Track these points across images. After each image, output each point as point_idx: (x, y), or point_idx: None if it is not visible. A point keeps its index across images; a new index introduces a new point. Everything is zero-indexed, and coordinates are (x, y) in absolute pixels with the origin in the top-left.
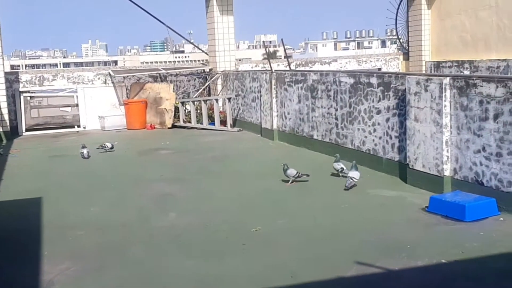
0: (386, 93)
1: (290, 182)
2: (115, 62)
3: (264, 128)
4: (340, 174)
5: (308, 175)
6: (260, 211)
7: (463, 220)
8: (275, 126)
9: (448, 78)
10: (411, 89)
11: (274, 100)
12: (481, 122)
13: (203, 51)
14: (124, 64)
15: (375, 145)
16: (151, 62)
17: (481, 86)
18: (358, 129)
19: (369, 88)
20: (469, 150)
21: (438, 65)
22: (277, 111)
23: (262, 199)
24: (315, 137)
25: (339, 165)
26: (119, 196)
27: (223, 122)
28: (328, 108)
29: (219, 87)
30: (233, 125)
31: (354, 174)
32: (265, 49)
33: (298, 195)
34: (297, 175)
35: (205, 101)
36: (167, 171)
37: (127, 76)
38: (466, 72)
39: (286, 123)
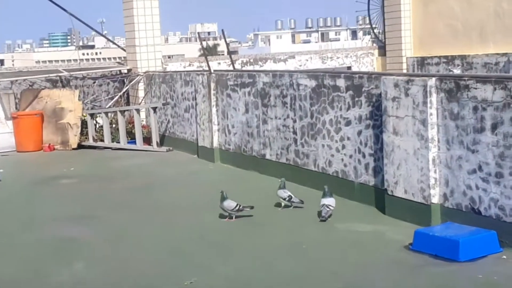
0: (357, 99)
1: (227, 217)
2: (1, 62)
3: (201, 146)
4: (290, 204)
5: (252, 208)
6: (195, 256)
7: (456, 259)
8: (215, 144)
9: (434, 79)
10: (388, 94)
11: (214, 109)
12: (476, 134)
13: (119, 47)
14: (13, 65)
15: (345, 165)
16: (50, 61)
17: (475, 89)
18: (323, 145)
19: (336, 92)
20: (462, 170)
21: (422, 61)
22: (219, 124)
23: (198, 241)
24: (268, 157)
25: (285, 193)
26: (4, 244)
27: (147, 140)
28: (284, 119)
29: (141, 94)
30: (161, 143)
31: (330, 201)
32: (202, 43)
33: (246, 233)
34: (237, 208)
35: (122, 112)
36: (70, 207)
37: (16, 80)
38: (457, 71)
39: (231, 140)
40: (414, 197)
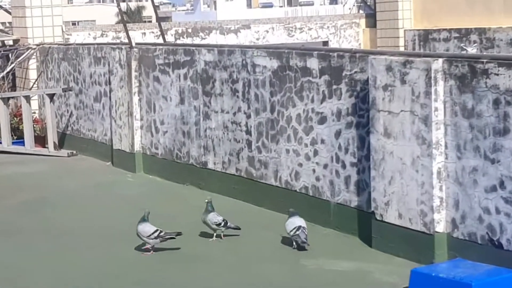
0: (335, 87)
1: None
2: None
3: (117, 150)
4: (221, 232)
5: (178, 234)
6: None
7: None
8: (137, 147)
9: (440, 61)
10: (377, 80)
11: (135, 98)
12: (498, 138)
13: (2, 8)
14: None
15: (317, 179)
16: None
17: (497, 75)
18: (287, 150)
19: (306, 77)
20: (477, 187)
21: (426, 36)
22: (142, 119)
23: (109, 282)
24: (210, 165)
25: (217, 218)
26: None
27: (41, 140)
28: (234, 114)
29: (33, 75)
30: (60, 144)
31: (301, 222)
32: (119, 6)
33: (175, 273)
34: (156, 234)
35: (5, 100)
36: None
37: None
38: (473, 50)
39: (159, 141)
40: (411, 223)
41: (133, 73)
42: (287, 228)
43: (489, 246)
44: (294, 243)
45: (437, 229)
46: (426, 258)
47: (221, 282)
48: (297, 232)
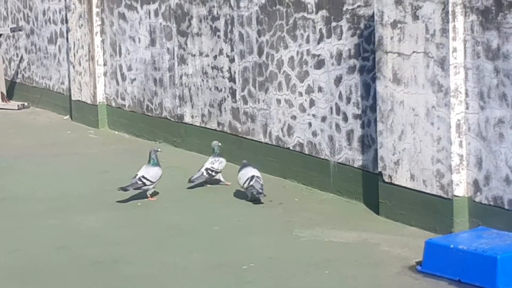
0: (334, 24)
1: (249, 196)
2: None
3: (76, 101)
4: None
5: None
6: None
7: None
8: (101, 98)
9: None
10: (384, 15)
11: (98, 39)
12: None
13: None
14: None
15: (314, 134)
16: None
17: None
18: (278, 100)
19: (300, 12)
20: (504, 142)
21: None
22: (106, 65)
23: (66, 254)
24: (187, 119)
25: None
26: None
27: None
28: (215, 57)
29: None
30: (9, 95)
31: (254, 172)
32: None
33: (155, 245)
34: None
35: None
36: None
37: None
38: None
39: (126, 91)
40: (425, 186)
41: (94, 9)
42: (240, 181)
43: None
44: (248, 196)
45: (456, 193)
46: (444, 227)
47: (205, 257)
48: (251, 183)
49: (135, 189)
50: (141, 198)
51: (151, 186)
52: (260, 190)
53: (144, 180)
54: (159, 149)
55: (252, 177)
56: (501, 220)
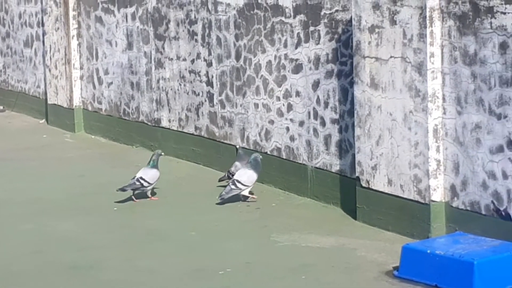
0: (312, 29)
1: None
2: None
3: (52, 105)
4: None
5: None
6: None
7: None
8: (77, 102)
9: None
10: (362, 20)
11: (74, 43)
12: (505, 89)
13: None
14: None
15: (291, 139)
16: None
17: (504, 14)
18: (256, 105)
19: (278, 17)
20: (481, 147)
21: None
22: (82, 68)
23: (40, 259)
24: (164, 123)
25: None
26: None
27: None
28: (192, 61)
29: None
30: None
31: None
32: None
33: (130, 250)
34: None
35: None
36: None
37: None
38: None
39: (103, 95)
40: (403, 191)
41: (71, 13)
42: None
43: (495, 217)
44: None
45: (433, 198)
46: (421, 232)
47: (182, 262)
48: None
49: (133, 189)
50: (130, 200)
51: (149, 188)
52: (222, 194)
53: (142, 181)
54: (162, 153)
55: (233, 180)
56: (478, 225)
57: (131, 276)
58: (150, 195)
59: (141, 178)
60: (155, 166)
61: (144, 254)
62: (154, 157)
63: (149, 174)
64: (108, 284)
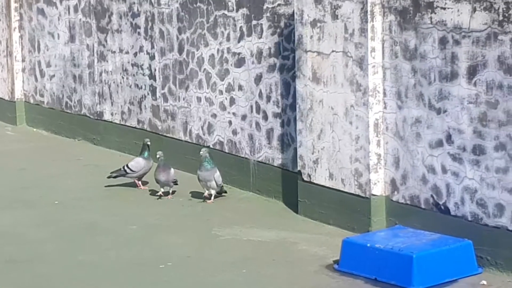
0: (254, 23)
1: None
2: None
3: None
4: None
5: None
6: None
7: (408, 287)
8: (19, 94)
9: None
10: (304, 14)
11: (15, 35)
12: (444, 84)
13: None
14: None
15: (234, 133)
16: None
17: (443, 9)
18: (199, 98)
19: (220, 10)
20: (420, 142)
21: None
22: (24, 61)
23: None
24: (107, 117)
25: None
26: None
27: None
28: (135, 55)
29: None
30: None
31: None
32: None
33: (66, 247)
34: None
35: None
36: None
37: None
38: None
39: (45, 87)
40: (344, 185)
41: (13, 4)
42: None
43: (434, 211)
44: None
45: (374, 192)
46: (361, 225)
47: (122, 255)
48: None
49: (119, 176)
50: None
51: (134, 175)
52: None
53: (126, 169)
54: (148, 142)
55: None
56: (417, 219)
57: (70, 270)
58: (140, 184)
59: (126, 165)
60: (143, 156)
61: (84, 248)
62: (143, 146)
63: (132, 162)
64: (47, 278)
